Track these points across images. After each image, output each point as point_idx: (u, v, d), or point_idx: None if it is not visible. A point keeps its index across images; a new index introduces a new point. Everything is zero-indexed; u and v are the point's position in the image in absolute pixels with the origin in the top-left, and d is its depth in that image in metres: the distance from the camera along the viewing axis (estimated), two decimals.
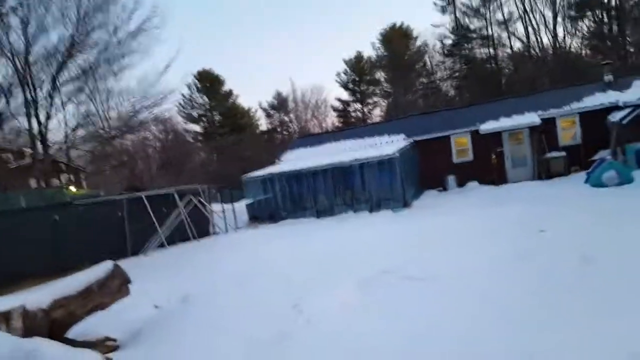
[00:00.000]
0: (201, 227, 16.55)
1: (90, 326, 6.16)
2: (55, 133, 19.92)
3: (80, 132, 20.70)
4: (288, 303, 6.21)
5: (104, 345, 5.91)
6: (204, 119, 57.32)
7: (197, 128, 57.62)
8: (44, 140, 18.49)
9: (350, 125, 47.38)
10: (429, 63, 52.26)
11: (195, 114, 56.88)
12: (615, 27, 37.89)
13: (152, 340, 5.83)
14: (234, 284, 7.97)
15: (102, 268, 6.09)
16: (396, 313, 5.46)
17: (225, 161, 47.17)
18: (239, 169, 34.99)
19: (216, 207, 18.67)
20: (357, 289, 6.64)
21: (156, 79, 18.49)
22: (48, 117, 18.19)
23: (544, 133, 17.86)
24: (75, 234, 12.98)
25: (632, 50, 37.19)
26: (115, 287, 6.07)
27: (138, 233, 14.44)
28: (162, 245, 14.57)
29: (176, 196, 15.52)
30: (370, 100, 57.55)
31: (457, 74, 50.21)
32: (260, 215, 18.08)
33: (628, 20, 36.12)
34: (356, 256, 8.90)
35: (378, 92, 56.69)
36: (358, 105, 57.87)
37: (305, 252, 10.48)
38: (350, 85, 57.37)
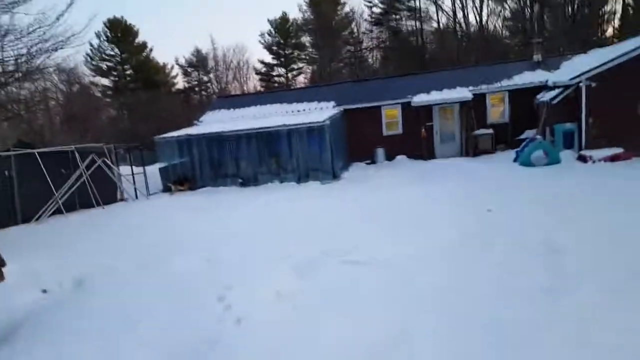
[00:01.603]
0: (107, 192, 14.60)
1: None
2: None
3: None
4: (213, 294, 5.07)
5: None
6: (114, 72, 52.40)
7: (106, 82, 52.74)
8: None
9: (274, 90, 45.65)
10: (356, 31, 51.35)
11: (104, 66, 51.85)
12: (536, 11, 39.02)
13: (31, 341, 4.46)
14: (144, 264, 6.66)
15: None
16: (349, 309, 4.55)
17: (136, 119, 43.58)
18: (151, 128, 32.21)
19: (125, 170, 16.58)
20: (295, 274, 5.67)
21: (57, 19, 15.47)
22: None
23: (474, 109, 17.73)
24: None
25: (547, 35, 38.66)
26: None
27: (31, 197, 12.39)
28: (59, 212, 12.63)
29: (77, 155, 13.49)
30: (294, 66, 55.70)
31: (383, 44, 49.88)
32: (176, 181, 16.37)
33: (548, 4, 37.31)
34: (290, 233, 7.92)
35: (303, 57, 55.02)
36: (282, 70, 55.85)
37: (230, 226, 9.34)
38: (275, 48, 55.05)
